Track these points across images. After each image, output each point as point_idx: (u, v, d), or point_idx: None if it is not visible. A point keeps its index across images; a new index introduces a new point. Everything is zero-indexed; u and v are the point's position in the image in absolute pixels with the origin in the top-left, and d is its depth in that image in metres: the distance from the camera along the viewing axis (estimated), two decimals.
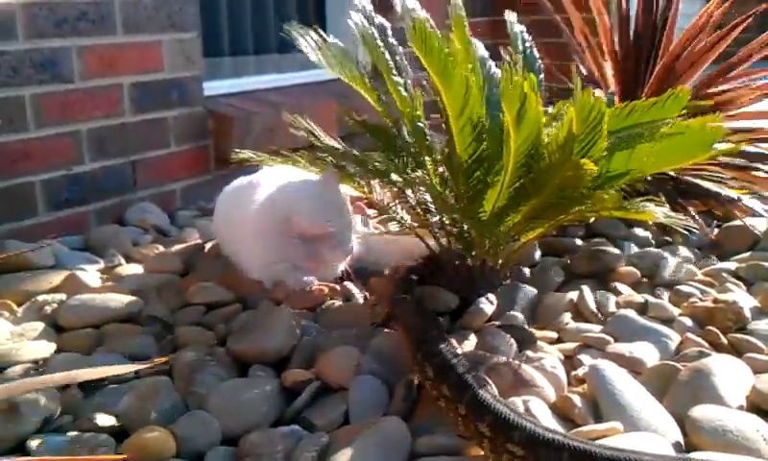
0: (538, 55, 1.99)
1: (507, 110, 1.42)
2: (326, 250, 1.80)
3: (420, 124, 1.71)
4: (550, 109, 1.68)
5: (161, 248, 2.17)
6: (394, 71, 1.71)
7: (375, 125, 1.86)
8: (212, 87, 2.83)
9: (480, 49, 1.87)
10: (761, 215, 2.24)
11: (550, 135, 1.49)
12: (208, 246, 2.17)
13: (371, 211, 2.46)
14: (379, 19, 1.83)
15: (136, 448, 1.24)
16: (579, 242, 2.09)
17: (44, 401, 1.36)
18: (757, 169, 2.37)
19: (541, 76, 1.95)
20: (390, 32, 1.83)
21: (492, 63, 1.84)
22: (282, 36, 1.75)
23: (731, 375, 1.40)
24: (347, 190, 1.93)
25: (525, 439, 1.14)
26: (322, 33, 1.78)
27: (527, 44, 1.98)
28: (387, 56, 1.72)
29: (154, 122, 2.57)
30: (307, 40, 1.77)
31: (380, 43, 1.73)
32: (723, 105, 2.47)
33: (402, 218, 1.90)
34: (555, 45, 2.78)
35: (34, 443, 1.28)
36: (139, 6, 2.48)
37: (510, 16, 2.03)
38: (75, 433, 1.30)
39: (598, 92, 1.43)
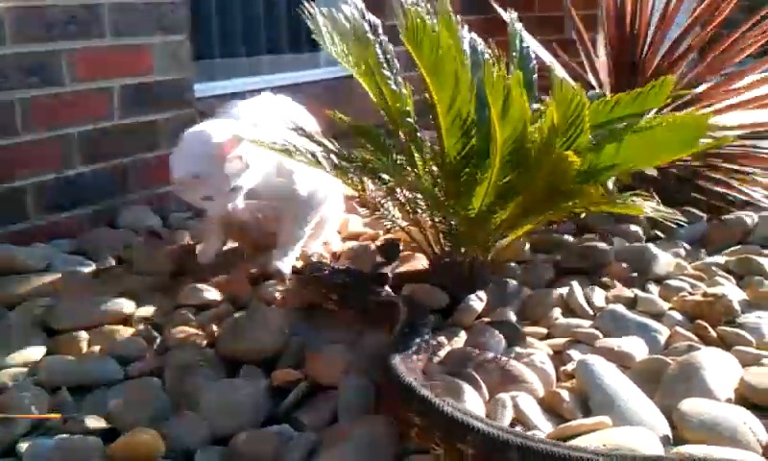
0: (534, 55, 2.00)
1: (492, 105, 1.43)
2: (198, 198, 1.80)
3: (409, 119, 1.72)
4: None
5: (154, 250, 2.16)
6: (384, 66, 1.72)
7: (364, 125, 1.86)
8: (203, 89, 2.83)
9: (471, 44, 1.88)
10: (751, 208, 2.25)
11: (536, 131, 1.49)
12: (199, 247, 2.17)
13: (362, 210, 2.46)
14: (370, 16, 1.83)
15: (125, 450, 1.25)
16: (570, 238, 2.09)
17: (33, 404, 1.36)
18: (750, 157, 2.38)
19: (535, 75, 1.96)
20: (381, 30, 1.84)
21: (483, 60, 1.84)
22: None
23: (719, 368, 1.41)
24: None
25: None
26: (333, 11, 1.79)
27: (524, 44, 1.99)
28: (378, 50, 1.72)
29: (144, 125, 2.57)
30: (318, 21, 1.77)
31: (372, 37, 1.73)
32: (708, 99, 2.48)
33: (393, 216, 1.90)
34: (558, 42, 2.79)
35: (23, 446, 1.28)
36: (128, 9, 2.48)
37: (509, 14, 2.04)
38: (64, 436, 1.30)
39: (577, 85, 1.42)
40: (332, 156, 1.80)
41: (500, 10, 2.29)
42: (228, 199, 1.78)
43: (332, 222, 2.19)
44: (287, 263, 1.91)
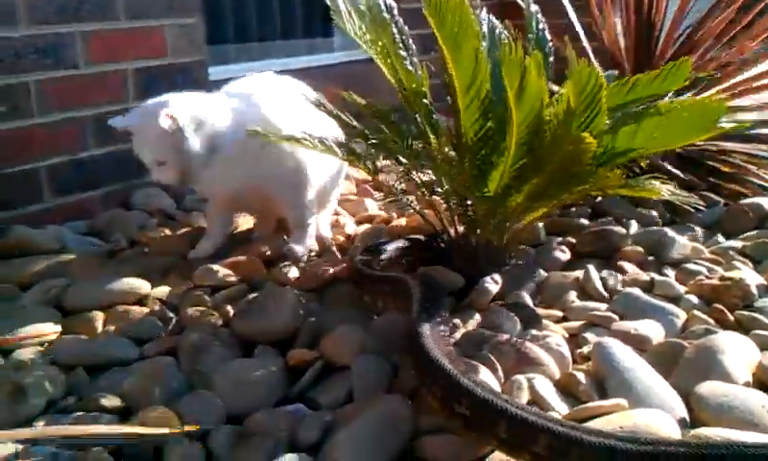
0: (549, 37, 1.98)
1: (508, 85, 1.42)
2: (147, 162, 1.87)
3: (425, 100, 1.71)
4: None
5: (168, 232, 2.17)
6: (401, 47, 1.71)
7: (381, 108, 1.85)
8: (218, 72, 2.82)
9: (489, 27, 1.87)
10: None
11: (552, 112, 1.48)
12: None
13: (376, 194, 2.46)
14: None
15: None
16: (585, 221, 2.08)
17: (48, 384, 1.37)
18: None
19: (551, 58, 1.94)
20: (396, 12, 1.82)
21: (499, 40, 1.83)
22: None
23: (737, 351, 1.39)
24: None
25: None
26: None
27: (540, 26, 1.97)
28: (395, 31, 1.71)
29: None
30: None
31: (388, 17, 1.72)
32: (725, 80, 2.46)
33: (408, 199, 1.89)
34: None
35: (39, 424, 1.29)
36: None
37: None
38: (80, 414, 1.31)
39: (595, 65, 1.41)
40: (345, 138, 1.80)
41: None
42: (164, 170, 1.84)
43: (335, 194, 2.19)
44: (302, 246, 1.92)
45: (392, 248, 1.84)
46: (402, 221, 2.14)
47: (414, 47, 1.80)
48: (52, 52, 2.26)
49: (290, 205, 1.98)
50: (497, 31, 1.90)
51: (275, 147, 1.88)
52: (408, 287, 1.50)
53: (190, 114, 1.83)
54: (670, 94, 2.06)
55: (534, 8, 2.02)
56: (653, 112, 1.53)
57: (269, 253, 1.95)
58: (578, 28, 2.68)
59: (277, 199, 1.97)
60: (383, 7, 1.77)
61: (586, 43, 2.66)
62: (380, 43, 1.72)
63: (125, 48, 2.45)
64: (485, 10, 1.92)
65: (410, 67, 1.71)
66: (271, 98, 1.97)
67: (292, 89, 2.07)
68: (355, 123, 1.85)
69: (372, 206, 2.34)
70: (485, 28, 1.86)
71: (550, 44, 1.98)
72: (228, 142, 1.87)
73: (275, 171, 1.92)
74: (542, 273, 1.79)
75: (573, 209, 2.16)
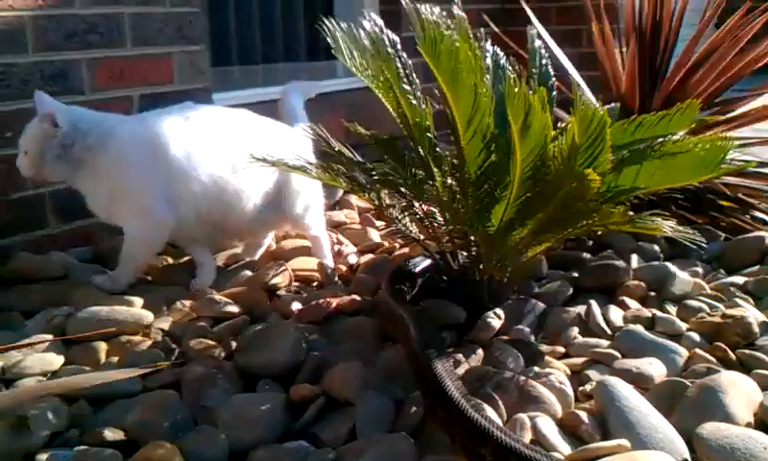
0: (552, 72, 2.00)
1: (512, 121, 1.43)
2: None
3: (429, 134, 1.72)
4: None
5: (170, 260, 2.17)
6: (404, 80, 1.72)
7: (385, 137, 1.87)
8: (222, 99, 2.83)
9: (494, 59, 1.88)
10: None
11: (556, 148, 1.49)
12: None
13: (379, 223, 2.46)
14: (388, 32, 1.83)
15: None
16: (587, 255, 2.09)
17: (52, 416, 1.37)
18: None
19: (554, 92, 1.96)
20: (399, 45, 1.84)
21: (502, 73, 1.84)
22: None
23: (738, 391, 1.40)
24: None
25: None
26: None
27: (544, 61, 1.99)
28: (398, 65, 1.72)
29: None
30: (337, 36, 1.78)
31: (391, 51, 1.73)
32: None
33: (410, 230, 1.90)
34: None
35: (42, 457, 1.29)
36: (148, 19, 2.49)
37: (531, 30, 2.04)
38: (83, 448, 1.31)
39: (599, 104, 1.42)
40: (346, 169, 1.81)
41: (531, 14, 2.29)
42: (23, 158, 1.91)
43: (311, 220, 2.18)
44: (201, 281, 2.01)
45: (421, 268, 1.85)
46: (406, 250, 2.15)
47: (416, 80, 1.81)
48: (59, 78, 2.27)
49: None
50: (502, 62, 1.91)
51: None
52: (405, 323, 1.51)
53: (72, 125, 1.88)
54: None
55: (537, 42, 2.03)
56: (658, 153, 1.54)
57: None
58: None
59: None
60: (387, 42, 1.78)
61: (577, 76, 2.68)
62: (382, 78, 1.73)
63: (131, 75, 2.47)
64: (490, 41, 1.93)
65: (413, 102, 1.72)
66: (171, 121, 1.98)
67: (233, 120, 2.10)
68: (358, 157, 1.86)
69: (375, 236, 2.34)
70: (489, 60, 1.87)
71: (553, 79, 1.99)
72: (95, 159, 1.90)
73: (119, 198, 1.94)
74: (543, 307, 1.79)
75: (574, 243, 2.16)
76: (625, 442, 1.26)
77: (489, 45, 1.91)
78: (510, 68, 1.88)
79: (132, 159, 1.92)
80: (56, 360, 1.60)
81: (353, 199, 2.70)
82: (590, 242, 2.17)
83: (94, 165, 1.89)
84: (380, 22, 1.80)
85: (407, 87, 1.73)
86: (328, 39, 1.75)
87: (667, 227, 1.61)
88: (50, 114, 1.87)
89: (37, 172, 1.92)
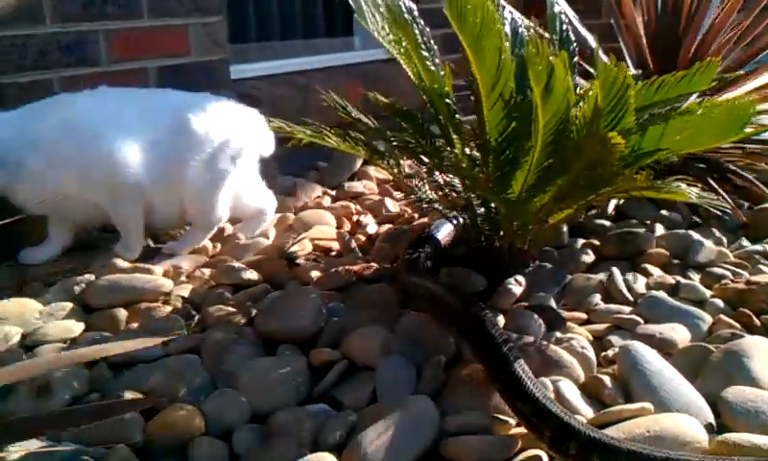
0: (573, 38, 1.97)
1: (534, 85, 1.41)
2: None
3: (448, 100, 1.70)
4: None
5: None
6: (422, 47, 1.70)
7: (403, 107, 1.85)
8: (239, 70, 2.82)
9: (512, 26, 1.86)
10: None
11: (579, 112, 1.47)
12: (232, 228, 2.18)
13: (397, 194, 2.45)
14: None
15: (164, 426, 1.25)
16: (608, 224, 2.07)
17: (73, 379, 1.37)
18: None
19: (576, 58, 1.93)
20: (416, 12, 1.82)
21: (525, 38, 1.82)
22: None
23: (763, 356, 1.38)
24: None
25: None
26: None
27: (564, 26, 1.96)
28: (416, 31, 1.71)
29: None
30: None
31: (408, 17, 1.71)
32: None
33: (429, 198, 1.89)
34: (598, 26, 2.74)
35: None
36: None
37: None
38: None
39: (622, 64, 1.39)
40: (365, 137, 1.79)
41: None
42: None
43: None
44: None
45: (442, 235, 1.83)
46: (425, 220, 2.13)
47: (435, 48, 1.79)
48: (75, 49, 2.27)
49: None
50: (520, 29, 1.89)
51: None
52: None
53: None
54: (693, 97, 2.05)
55: (557, 8, 2.00)
56: (681, 112, 1.52)
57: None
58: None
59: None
60: (403, 8, 1.76)
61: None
62: (402, 47, 1.72)
63: (148, 46, 2.46)
64: (508, 7, 1.91)
65: (432, 68, 1.70)
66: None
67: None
68: (376, 124, 1.85)
69: (394, 206, 2.33)
70: (507, 27, 1.85)
71: (575, 44, 1.96)
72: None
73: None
74: (566, 274, 1.77)
75: (595, 211, 2.14)
76: (648, 405, 1.26)
77: (507, 12, 1.89)
78: (531, 31, 1.86)
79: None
80: (75, 327, 1.60)
81: (371, 170, 2.68)
82: (612, 211, 2.15)
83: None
84: None
85: (425, 54, 1.71)
86: (351, 3, 1.73)
87: (692, 192, 1.58)
88: None
89: None
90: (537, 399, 1.20)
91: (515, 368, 1.25)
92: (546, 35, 1.92)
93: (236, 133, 2.05)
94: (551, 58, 1.39)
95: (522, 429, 1.23)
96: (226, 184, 2.03)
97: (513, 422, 1.24)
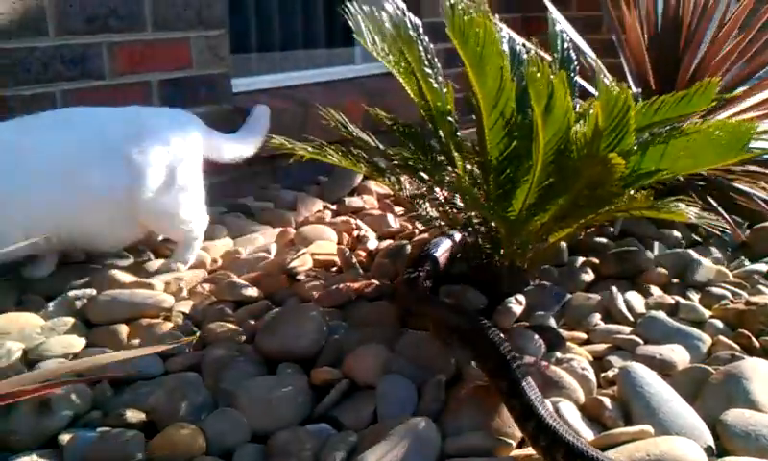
0: (575, 56, 1.98)
1: (535, 105, 1.42)
2: None
3: (450, 118, 1.71)
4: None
5: None
6: (426, 64, 1.71)
7: (405, 123, 1.86)
8: (241, 84, 2.83)
9: (510, 45, 1.87)
10: None
11: (579, 132, 1.48)
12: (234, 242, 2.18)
13: (398, 209, 2.46)
14: (410, 15, 1.82)
15: (166, 445, 1.25)
16: (607, 242, 2.07)
17: (75, 397, 1.37)
18: None
19: (576, 77, 1.94)
20: (421, 29, 1.83)
21: (524, 56, 1.83)
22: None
23: (763, 378, 1.38)
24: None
25: None
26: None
27: (566, 45, 1.97)
28: (420, 48, 1.71)
29: None
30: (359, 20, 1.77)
31: (413, 34, 1.72)
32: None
33: (430, 215, 1.89)
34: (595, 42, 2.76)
35: (65, 438, 1.30)
36: (168, 3, 2.48)
37: (553, 13, 2.02)
38: (105, 429, 1.31)
39: (627, 84, 1.40)
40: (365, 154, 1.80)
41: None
42: None
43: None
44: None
45: (441, 252, 1.83)
46: (425, 236, 2.14)
47: (439, 66, 1.80)
48: (79, 63, 2.28)
49: None
50: (518, 48, 1.90)
51: None
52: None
53: None
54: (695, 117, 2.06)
55: (558, 26, 2.01)
56: (682, 133, 1.52)
57: None
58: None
59: None
60: (409, 25, 1.77)
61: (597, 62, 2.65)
62: (403, 63, 1.73)
63: (150, 59, 2.47)
64: (505, 27, 1.91)
65: (435, 85, 1.71)
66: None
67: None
68: (377, 142, 1.86)
69: (394, 222, 2.33)
70: (506, 46, 1.86)
71: (575, 63, 1.97)
72: None
73: None
74: (565, 293, 1.78)
75: (595, 230, 2.15)
76: (648, 428, 1.26)
77: (505, 31, 1.89)
78: (530, 51, 1.87)
79: None
80: (77, 342, 1.61)
81: (372, 185, 2.69)
82: (611, 229, 2.15)
83: None
84: (402, 5, 1.79)
85: (429, 71, 1.72)
86: (350, 23, 1.74)
87: (692, 213, 1.59)
88: None
89: None
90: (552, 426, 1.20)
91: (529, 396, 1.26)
92: (546, 55, 1.93)
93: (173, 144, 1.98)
94: (551, 77, 1.40)
95: (523, 451, 1.24)
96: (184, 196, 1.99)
97: (514, 443, 1.25)
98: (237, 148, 2.24)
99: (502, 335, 1.40)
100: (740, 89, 2.45)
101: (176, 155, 1.96)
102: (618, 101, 1.40)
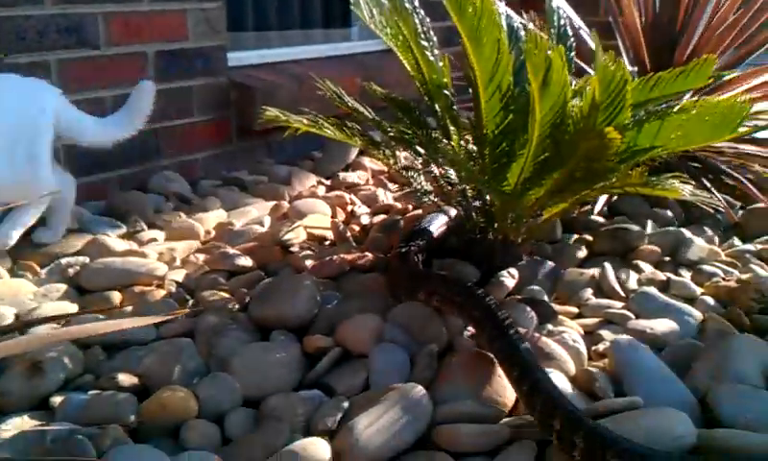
0: (571, 32, 1.97)
1: (532, 77, 1.41)
2: None
3: (446, 92, 1.70)
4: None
5: (183, 216, 2.17)
6: (422, 38, 1.70)
7: (400, 98, 1.85)
8: (236, 58, 2.82)
9: (507, 21, 1.86)
10: None
11: (575, 106, 1.48)
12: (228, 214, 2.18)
13: (392, 185, 2.46)
14: None
15: (158, 408, 1.26)
16: (600, 220, 2.08)
17: (67, 361, 1.37)
18: None
19: (573, 53, 1.94)
20: (417, 2, 1.82)
21: (522, 32, 1.83)
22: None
23: (753, 354, 1.39)
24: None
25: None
26: None
27: (562, 21, 1.97)
28: (417, 21, 1.71)
29: (177, 91, 2.57)
30: None
31: (409, 7, 1.71)
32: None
33: (425, 189, 1.89)
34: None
35: (56, 400, 1.30)
36: None
37: None
38: (97, 392, 1.31)
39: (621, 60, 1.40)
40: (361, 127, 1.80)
41: None
42: None
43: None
44: None
45: (436, 227, 1.83)
46: (419, 211, 2.14)
47: (435, 39, 1.80)
48: (74, 32, 2.27)
49: None
50: (515, 24, 1.89)
51: None
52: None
53: None
54: (689, 95, 2.06)
55: (555, 3, 2.01)
56: (678, 110, 1.53)
57: None
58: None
59: None
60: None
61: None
62: (401, 36, 1.72)
63: (146, 30, 2.46)
64: (502, 3, 1.91)
65: (431, 58, 1.71)
66: None
67: None
68: (373, 114, 1.86)
69: (388, 197, 2.34)
70: (503, 22, 1.85)
71: (572, 39, 1.97)
72: None
73: None
74: (558, 269, 1.78)
75: (589, 207, 2.15)
76: (638, 399, 1.27)
77: (502, 6, 1.89)
78: (530, 26, 1.87)
79: None
80: (69, 308, 1.61)
81: (366, 161, 2.69)
82: (605, 207, 2.16)
83: None
84: None
85: (425, 44, 1.71)
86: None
87: (686, 190, 1.59)
88: None
89: None
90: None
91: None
92: (542, 33, 1.92)
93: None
94: (549, 51, 1.40)
95: (513, 418, 1.25)
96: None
97: (505, 411, 1.26)
98: (105, 131, 2.06)
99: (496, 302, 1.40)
100: (736, 71, 2.45)
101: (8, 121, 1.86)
102: (615, 75, 1.40)
